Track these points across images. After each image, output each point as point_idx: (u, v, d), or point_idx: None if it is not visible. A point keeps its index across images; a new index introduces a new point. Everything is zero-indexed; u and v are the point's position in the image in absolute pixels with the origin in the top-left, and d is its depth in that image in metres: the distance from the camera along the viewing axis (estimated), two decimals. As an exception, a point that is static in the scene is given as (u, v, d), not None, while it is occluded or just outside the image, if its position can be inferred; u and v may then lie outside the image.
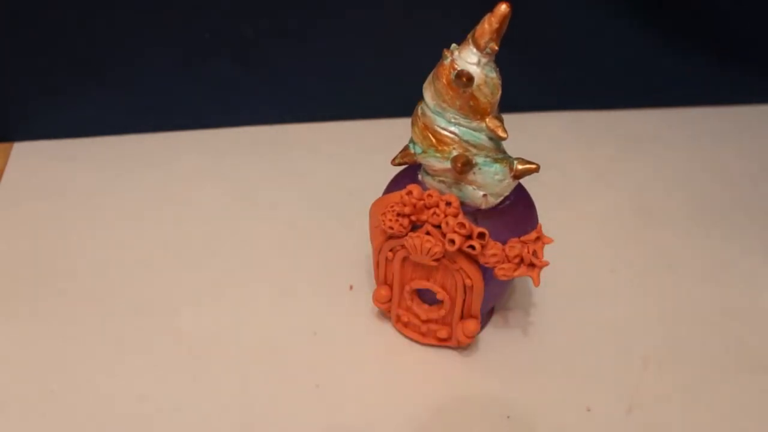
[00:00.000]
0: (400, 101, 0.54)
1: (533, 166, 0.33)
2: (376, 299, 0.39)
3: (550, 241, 0.35)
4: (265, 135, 0.56)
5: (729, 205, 0.50)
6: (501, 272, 0.34)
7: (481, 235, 0.34)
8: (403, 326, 0.40)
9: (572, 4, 0.52)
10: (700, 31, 0.55)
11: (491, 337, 0.41)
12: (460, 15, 0.51)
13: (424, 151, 0.33)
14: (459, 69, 0.31)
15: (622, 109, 0.59)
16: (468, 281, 0.35)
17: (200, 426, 0.36)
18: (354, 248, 0.45)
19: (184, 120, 0.55)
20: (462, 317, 0.38)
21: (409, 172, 0.37)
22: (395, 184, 0.37)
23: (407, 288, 0.38)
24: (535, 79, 0.54)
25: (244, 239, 0.47)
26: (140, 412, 0.37)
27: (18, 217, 0.48)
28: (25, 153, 0.53)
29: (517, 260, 0.34)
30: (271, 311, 0.42)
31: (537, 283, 0.34)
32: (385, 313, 0.41)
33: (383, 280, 0.39)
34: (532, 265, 0.34)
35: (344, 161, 0.53)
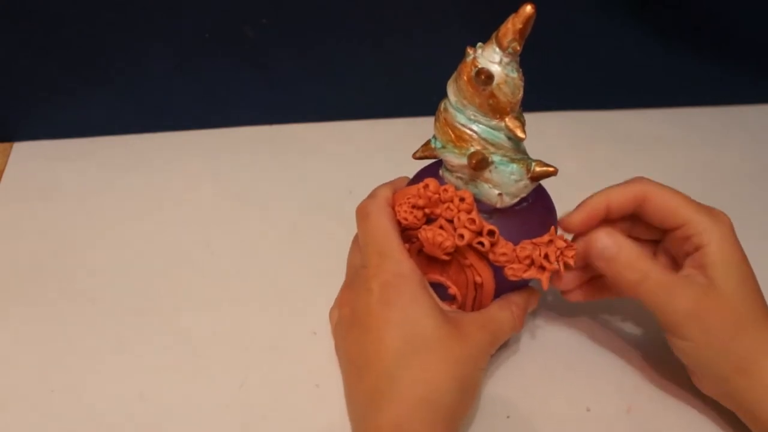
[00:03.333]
0: (401, 101, 0.55)
1: (552, 169, 0.33)
2: None
3: (564, 244, 0.35)
4: (265, 135, 0.56)
5: (729, 205, 0.50)
6: (510, 272, 0.34)
7: (490, 233, 0.34)
8: None
9: (572, 5, 0.52)
10: (700, 32, 0.55)
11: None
12: (461, 16, 0.52)
13: (443, 146, 0.34)
14: (479, 67, 0.31)
15: (622, 109, 0.59)
16: (478, 278, 0.36)
17: (200, 426, 0.36)
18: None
19: (184, 120, 0.55)
20: None
21: (433, 168, 0.37)
22: (417, 179, 0.37)
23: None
24: (535, 79, 0.54)
25: (244, 239, 0.47)
26: (140, 412, 0.37)
27: (18, 217, 0.48)
28: (25, 153, 0.53)
29: (527, 261, 0.34)
30: (271, 311, 0.42)
31: (546, 286, 0.34)
32: None
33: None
34: (542, 267, 0.34)
35: (344, 161, 0.53)
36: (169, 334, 0.41)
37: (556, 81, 0.56)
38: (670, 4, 0.53)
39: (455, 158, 0.33)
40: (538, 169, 0.33)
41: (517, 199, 0.35)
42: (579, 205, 0.36)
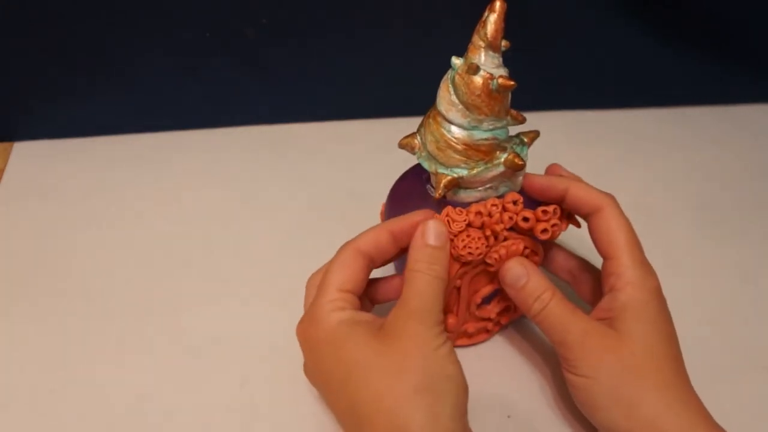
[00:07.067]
0: (401, 101, 0.55)
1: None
2: (447, 329, 0.37)
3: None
4: (265, 135, 0.56)
5: (729, 205, 0.50)
6: (557, 229, 0.35)
7: (555, 211, 0.34)
8: (468, 338, 0.40)
9: (572, 4, 0.52)
10: (700, 31, 0.55)
11: (492, 336, 0.41)
12: (462, 16, 0.52)
13: (472, 169, 0.33)
14: (497, 78, 0.31)
15: (622, 109, 0.59)
16: (535, 258, 0.36)
17: (200, 426, 0.36)
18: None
19: (184, 120, 0.55)
20: None
21: (413, 181, 0.37)
22: (401, 197, 0.37)
23: (474, 301, 0.38)
24: (534, 79, 0.54)
25: (244, 239, 0.47)
26: (140, 412, 0.37)
27: (18, 217, 0.48)
28: (25, 153, 0.53)
29: (559, 216, 0.35)
30: (271, 311, 0.42)
31: (580, 225, 0.36)
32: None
33: (444, 310, 0.38)
34: (569, 214, 0.36)
35: (344, 161, 0.53)
36: (170, 334, 0.41)
37: (556, 81, 0.56)
38: (671, 4, 0.53)
39: (489, 172, 0.33)
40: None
41: None
42: (546, 177, 0.36)
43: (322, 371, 0.32)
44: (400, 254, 0.34)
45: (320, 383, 0.33)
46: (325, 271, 0.33)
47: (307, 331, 0.32)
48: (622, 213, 0.34)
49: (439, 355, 0.30)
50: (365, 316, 0.32)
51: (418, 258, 0.32)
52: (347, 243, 0.33)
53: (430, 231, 0.32)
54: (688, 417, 0.31)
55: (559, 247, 0.39)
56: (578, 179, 0.36)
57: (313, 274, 0.35)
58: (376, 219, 0.40)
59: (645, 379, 0.31)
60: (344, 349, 0.30)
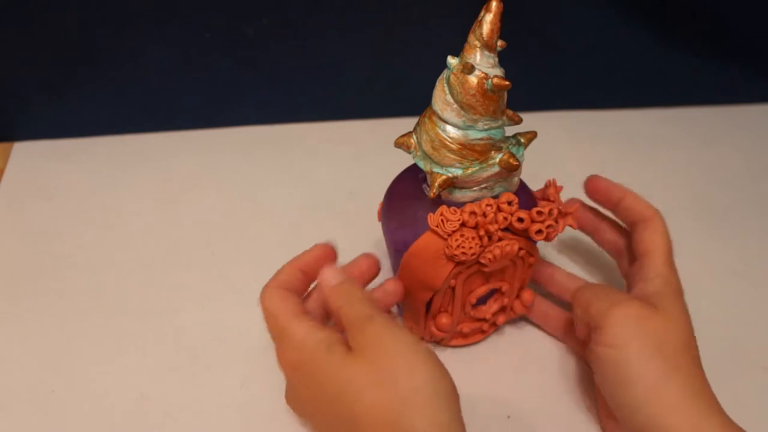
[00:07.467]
0: (401, 101, 0.55)
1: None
2: (441, 329, 0.38)
3: (561, 188, 0.37)
4: (265, 135, 0.56)
5: (729, 205, 0.50)
6: (552, 231, 0.35)
7: (550, 211, 0.35)
8: (463, 338, 0.40)
9: (572, 4, 0.52)
10: (700, 32, 0.55)
11: (492, 337, 0.41)
12: (461, 16, 0.52)
13: (466, 168, 0.33)
14: (491, 78, 0.31)
15: (622, 109, 0.59)
16: (531, 259, 0.37)
17: (200, 426, 0.37)
18: (353, 248, 0.45)
19: (184, 120, 0.55)
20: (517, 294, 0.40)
21: (410, 179, 0.37)
22: (397, 197, 0.37)
23: (469, 301, 0.38)
24: (534, 79, 0.54)
25: (244, 239, 0.47)
26: (140, 412, 0.37)
27: (18, 217, 0.48)
28: (25, 153, 0.53)
29: (554, 217, 0.35)
30: (271, 311, 0.42)
31: (576, 226, 0.38)
32: (439, 342, 0.40)
33: (437, 310, 0.38)
34: (565, 214, 0.36)
35: (344, 161, 0.53)
36: (170, 334, 0.41)
37: (556, 81, 0.56)
38: (670, 4, 0.53)
39: (484, 172, 0.33)
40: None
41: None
42: (609, 181, 0.39)
43: (310, 393, 0.32)
44: (312, 282, 0.36)
45: (308, 406, 0.33)
46: (270, 312, 0.34)
47: (285, 355, 0.33)
48: (665, 225, 0.37)
49: (421, 355, 0.30)
50: (338, 335, 0.32)
51: (334, 299, 0.33)
52: (269, 285, 0.35)
53: (328, 277, 0.34)
54: (707, 409, 0.32)
55: (561, 270, 0.41)
56: (629, 190, 0.39)
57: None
58: (375, 218, 0.40)
59: (673, 358, 0.33)
60: (329, 370, 0.30)
